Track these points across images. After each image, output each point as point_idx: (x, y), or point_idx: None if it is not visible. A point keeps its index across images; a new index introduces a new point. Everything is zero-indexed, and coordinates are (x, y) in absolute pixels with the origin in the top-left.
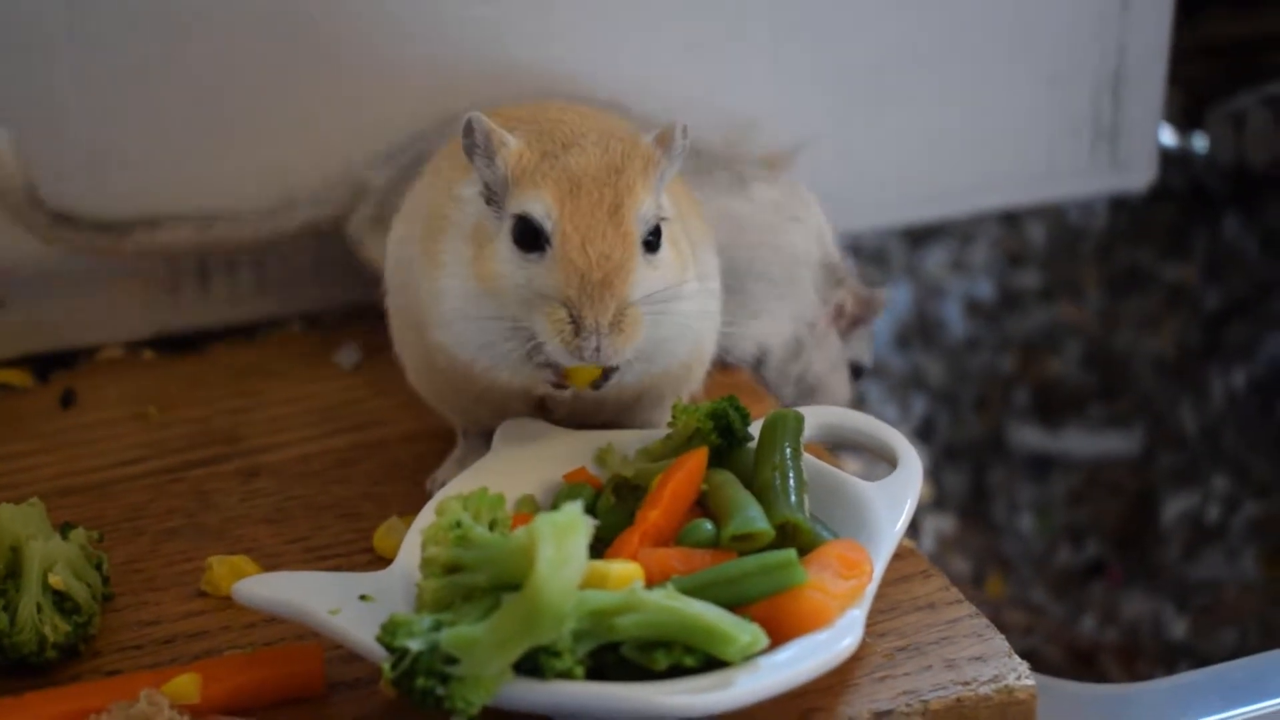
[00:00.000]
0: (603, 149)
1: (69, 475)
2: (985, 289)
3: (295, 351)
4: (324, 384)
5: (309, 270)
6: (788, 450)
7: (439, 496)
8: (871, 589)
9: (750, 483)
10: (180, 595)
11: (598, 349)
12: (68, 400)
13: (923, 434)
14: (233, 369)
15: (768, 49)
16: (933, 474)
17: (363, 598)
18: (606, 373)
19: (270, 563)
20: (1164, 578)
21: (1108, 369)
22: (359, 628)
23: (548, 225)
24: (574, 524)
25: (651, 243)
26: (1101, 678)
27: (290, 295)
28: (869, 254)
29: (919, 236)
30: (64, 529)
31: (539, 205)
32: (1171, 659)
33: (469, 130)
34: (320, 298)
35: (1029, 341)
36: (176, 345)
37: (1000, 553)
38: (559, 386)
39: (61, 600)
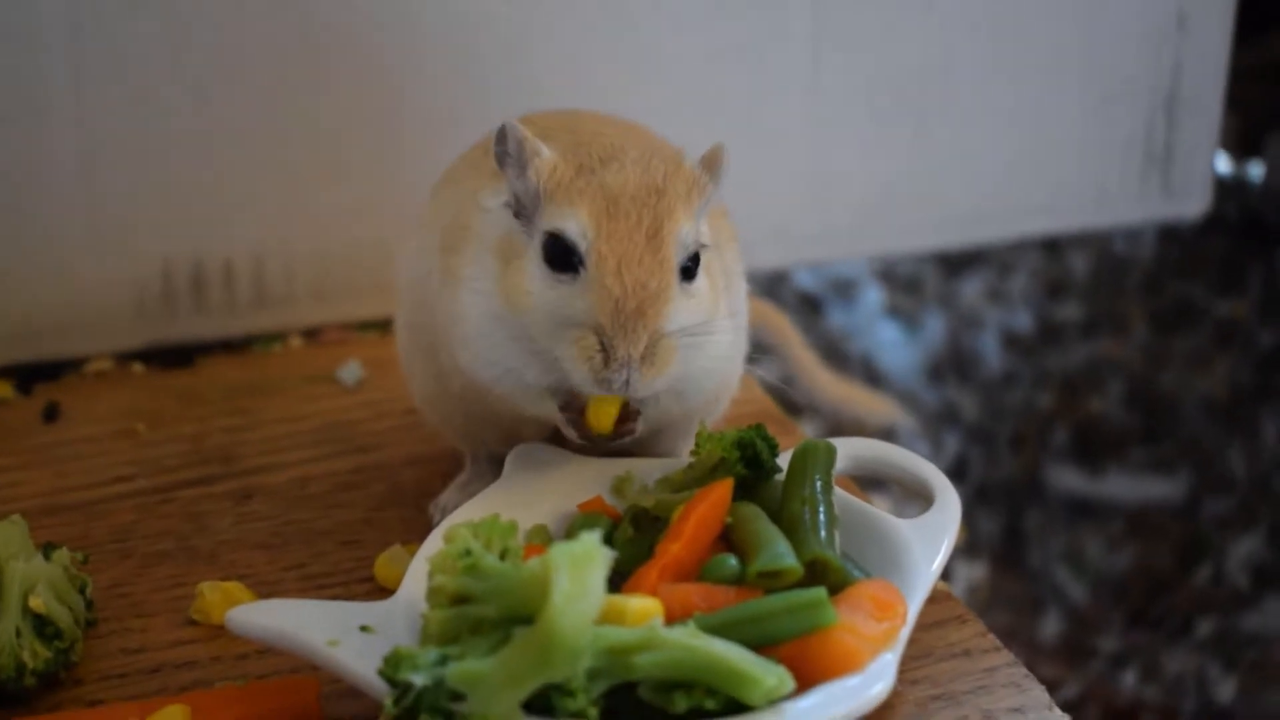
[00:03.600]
0: (643, 168)
1: (53, 493)
2: (1024, 321)
3: (294, 367)
4: (324, 402)
5: (310, 282)
6: (818, 483)
7: (447, 523)
8: (905, 632)
9: (778, 516)
10: (169, 622)
11: (627, 381)
12: (51, 414)
13: (955, 473)
14: (228, 385)
15: (807, 58)
16: (965, 516)
17: (363, 628)
18: (626, 418)
19: (265, 590)
20: (1210, 633)
21: (1153, 409)
22: (359, 660)
23: (582, 245)
24: (591, 555)
25: (689, 270)
26: None
27: (290, 308)
28: (902, 280)
29: (955, 264)
30: (46, 549)
31: (574, 223)
32: (1216, 719)
33: (501, 137)
34: (321, 311)
35: (1069, 378)
36: (169, 358)
37: (1035, 601)
38: (582, 436)
39: (42, 624)
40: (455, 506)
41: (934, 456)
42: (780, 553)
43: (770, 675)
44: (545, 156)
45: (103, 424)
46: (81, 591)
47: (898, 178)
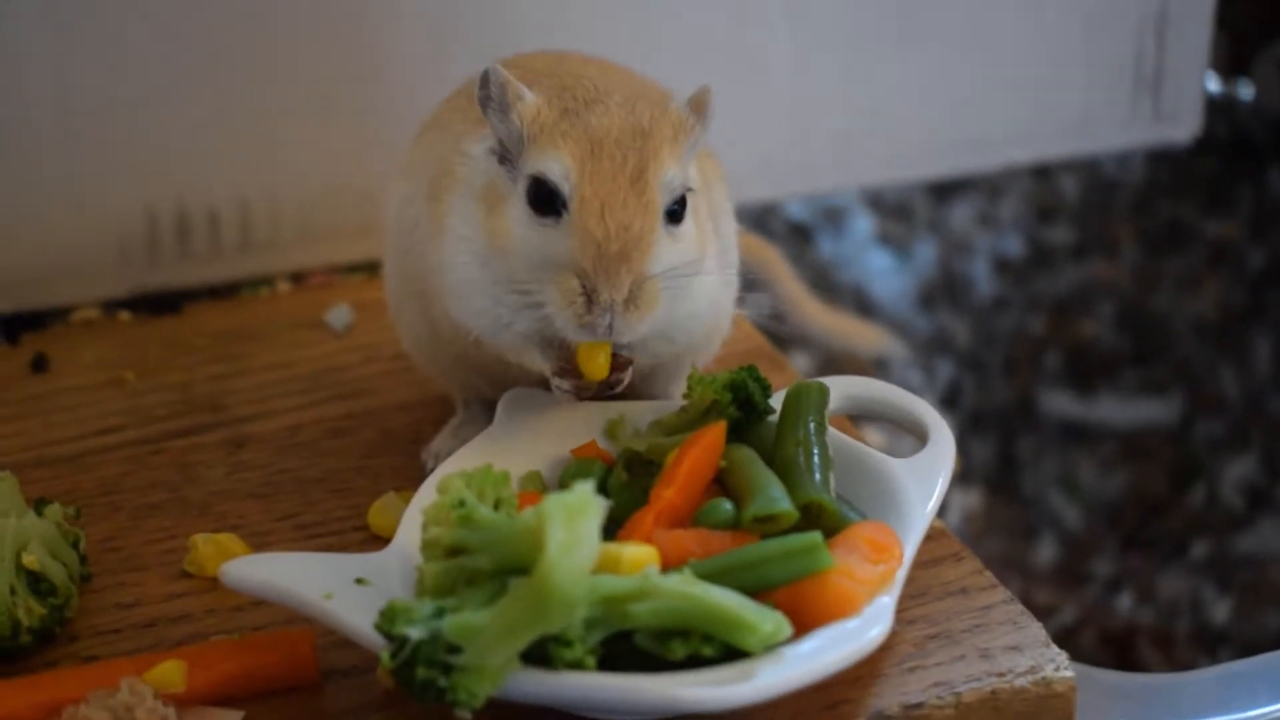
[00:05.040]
0: (628, 110)
1: (42, 446)
2: (1014, 245)
3: (282, 313)
4: (313, 348)
5: (296, 225)
6: (812, 425)
7: (439, 472)
8: (902, 574)
9: (772, 460)
10: (162, 576)
11: (610, 325)
12: (39, 365)
13: (948, 401)
14: (216, 331)
15: None
16: (958, 444)
17: (359, 581)
18: (616, 367)
19: (258, 541)
20: (1204, 555)
21: (1144, 331)
22: (355, 613)
23: (565, 187)
24: (586, 505)
25: (675, 213)
26: (1137, 663)
27: (276, 252)
28: (892, 207)
29: (944, 190)
30: (38, 505)
31: (557, 165)
32: (1212, 643)
33: (485, 81)
34: (308, 254)
35: (1061, 302)
36: (155, 306)
37: (1030, 527)
38: (564, 374)
39: (36, 581)
40: (448, 452)
41: (927, 384)
42: (775, 497)
43: (767, 621)
44: (529, 100)
45: (91, 374)
46: (75, 546)
47: (881, 106)
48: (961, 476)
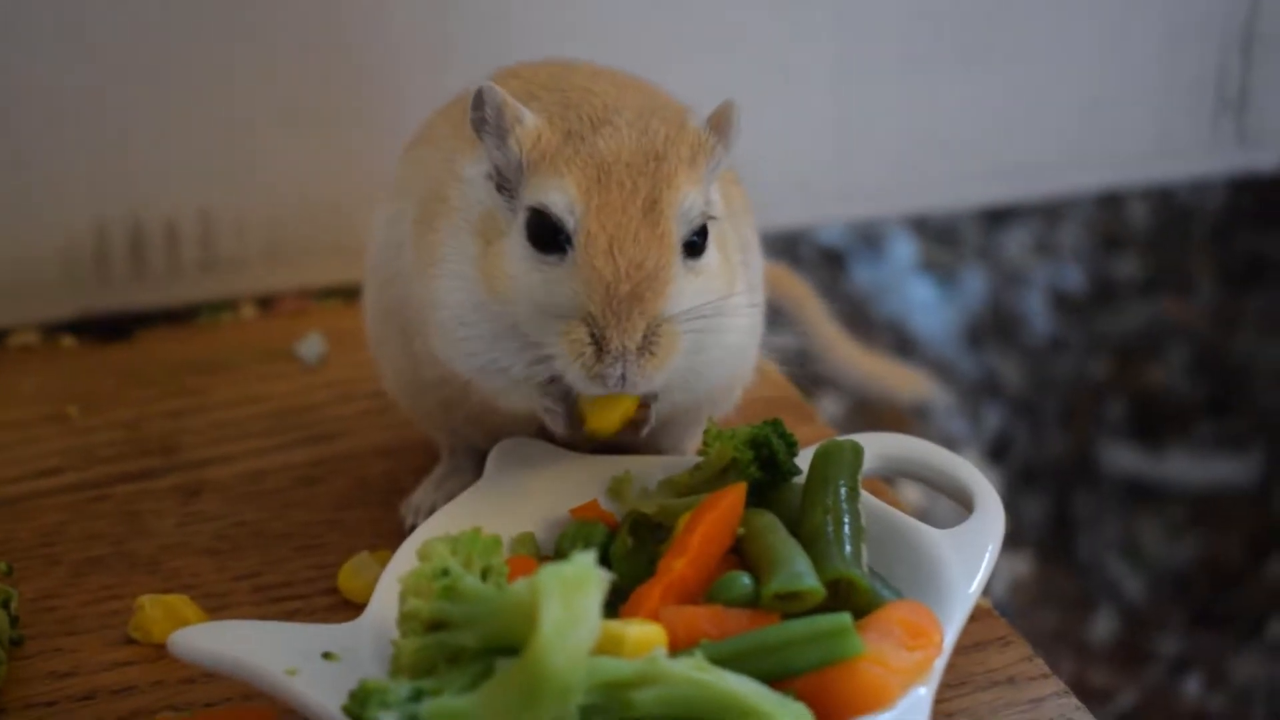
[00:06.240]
0: (640, 130)
1: None
2: (1075, 278)
3: (246, 341)
4: (280, 383)
5: (263, 243)
6: (843, 489)
7: (421, 532)
8: (941, 662)
9: (797, 528)
10: (103, 641)
11: (623, 376)
12: None
13: (996, 453)
14: (171, 361)
15: None
16: (1007, 501)
17: (326, 655)
18: (635, 419)
19: (213, 603)
20: None
21: (1221, 378)
22: (322, 692)
23: (569, 222)
24: (586, 579)
25: (695, 245)
26: None
27: (241, 272)
28: (935, 232)
29: (997, 213)
30: None
31: (560, 196)
32: None
33: (479, 102)
34: (277, 276)
35: (1126, 343)
36: (103, 330)
37: (1086, 598)
38: (570, 432)
39: None
40: (430, 507)
41: (972, 434)
42: (799, 572)
43: (787, 713)
44: (528, 123)
45: (27, 407)
46: (5, 606)
47: (936, 126)
48: (1010, 539)
